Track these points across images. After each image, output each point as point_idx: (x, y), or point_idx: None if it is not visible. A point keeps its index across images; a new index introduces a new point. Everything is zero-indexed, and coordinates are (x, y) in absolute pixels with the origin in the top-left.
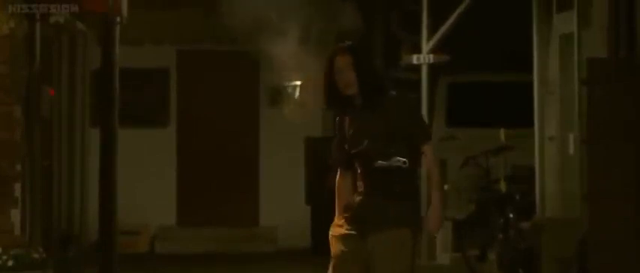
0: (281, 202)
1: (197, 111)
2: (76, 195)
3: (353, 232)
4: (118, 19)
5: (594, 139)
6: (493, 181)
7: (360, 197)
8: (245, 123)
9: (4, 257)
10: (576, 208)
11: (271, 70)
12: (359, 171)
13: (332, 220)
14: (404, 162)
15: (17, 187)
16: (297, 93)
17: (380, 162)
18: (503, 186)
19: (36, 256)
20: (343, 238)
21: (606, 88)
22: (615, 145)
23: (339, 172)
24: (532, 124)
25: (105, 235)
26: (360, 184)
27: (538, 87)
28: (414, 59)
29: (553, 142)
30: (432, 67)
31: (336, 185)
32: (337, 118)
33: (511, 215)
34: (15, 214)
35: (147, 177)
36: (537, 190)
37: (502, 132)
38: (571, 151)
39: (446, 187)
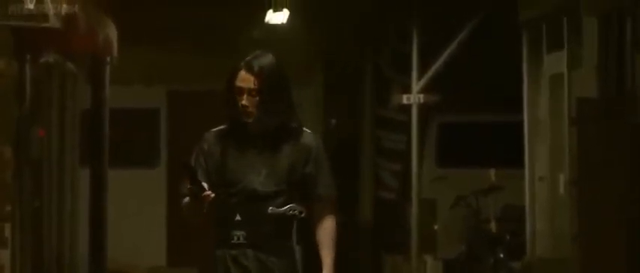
0: None
1: (187, 151)
2: (66, 235)
3: None
4: (108, 59)
5: (584, 179)
6: (483, 221)
7: (234, 250)
8: None
9: None
10: (566, 248)
11: None
12: (229, 214)
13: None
14: (300, 212)
15: (7, 228)
16: None
17: (272, 208)
18: (493, 226)
19: None
20: None
21: (596, 127)
22: (604, 185)
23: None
24: (522, 164)
25: None
26: (228, 230)
27: (528, 127)
28: (404, 99)
29: (543, 182)
30: (422, 107)
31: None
32: (204, 141)
33: (501, 255)
34: (5, 255)
35: (137, 217)
36: (527, 230)
37: (492, 172)
38: (561, 190)
39: (436, 227)
